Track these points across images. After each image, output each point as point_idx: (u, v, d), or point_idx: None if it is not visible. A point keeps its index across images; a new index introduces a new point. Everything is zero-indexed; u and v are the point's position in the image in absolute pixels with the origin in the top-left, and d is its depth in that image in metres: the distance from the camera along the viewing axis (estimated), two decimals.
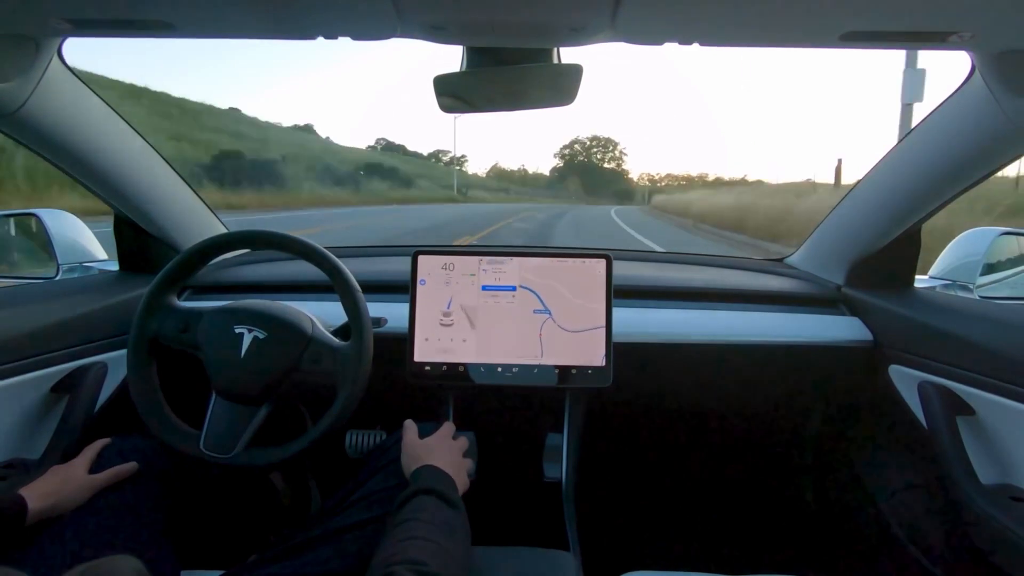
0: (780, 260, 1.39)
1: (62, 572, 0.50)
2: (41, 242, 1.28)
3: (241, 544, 0.98)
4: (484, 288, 1.02)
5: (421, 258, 1.01)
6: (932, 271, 1.27)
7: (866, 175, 1.07)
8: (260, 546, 1.00)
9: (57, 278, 1.23)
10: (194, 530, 0.88)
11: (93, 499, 0.73)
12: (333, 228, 11.76)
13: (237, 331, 0.83)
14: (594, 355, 0.99)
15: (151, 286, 0.86)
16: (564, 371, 0.99)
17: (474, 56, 0.74)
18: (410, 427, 0.82)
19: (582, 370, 0.99)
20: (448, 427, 0.84)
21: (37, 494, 0.69)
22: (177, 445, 0.81)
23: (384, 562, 0.54)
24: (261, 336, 0.83)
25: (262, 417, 0.83)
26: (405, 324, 1.01)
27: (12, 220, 1.45)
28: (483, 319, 1.01)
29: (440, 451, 0.76)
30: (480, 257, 1.02)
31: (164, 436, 0.82)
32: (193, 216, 1.20)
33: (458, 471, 0.75)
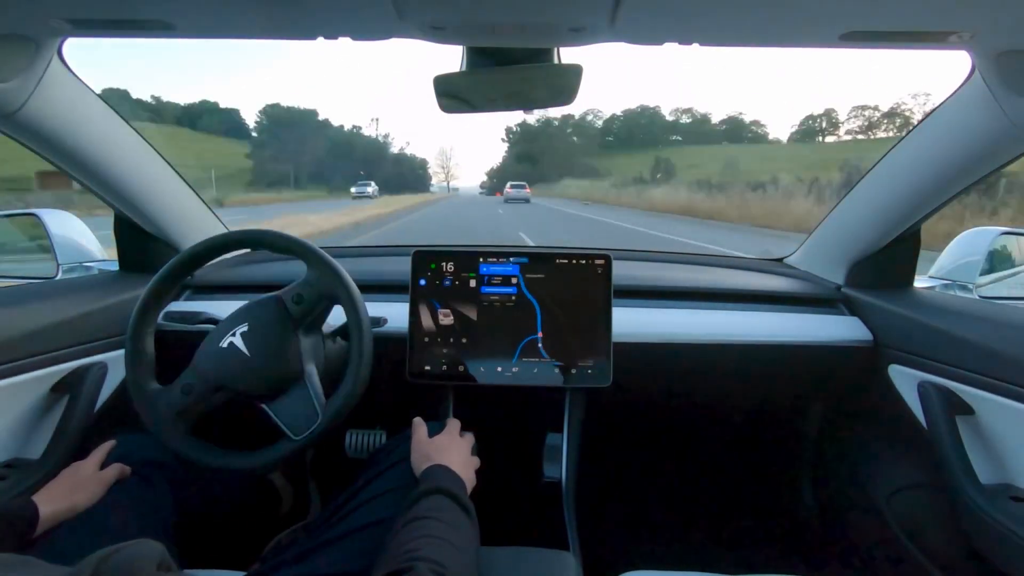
0: (780, 260, 1.39)
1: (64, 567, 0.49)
2: (41, 242, 1.28)
3: (242, 544, 0.98)
4: (484, 287, 1.02)
5: (420, 258, 1.02)
6: (932, 271, 1.27)
7: (866, 175, 1.07)
8: (261, 546, 1.00)
9: (57, 278, 1.23)
10: (198, 530, 0.88)
11: (101, 500, 0.74)
12: None
13: (225, 344, 0.81)
14: (594, 355, 1.00)
15: (130, 377, 0.82)
16: (564, 371, 0.99)
17: (474, 56, 0.74)
18: (419, 425, 0.82)
19: (582, 370, 0.99)
20: (454, 424, 0.84)
21: (49, 497, 0.70)
22: (272, 459, 0.79)
23: (401, 556, 0.54)
24: (245, 329, 0.82)
25: (316, 379, 0.82)
26: (405, 324, 1.01)
27: (12, 220, 1.45)
28: (483, 318, 1.01)
29: (450, 450, 0.77)
30: (479, 256, 1.02)
31: (250, 465, 0.80)
32: (193, 216, 1.20)
33: (467, 470, 0.75)
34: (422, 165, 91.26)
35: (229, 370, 0.81)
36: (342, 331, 0.92)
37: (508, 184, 30.42)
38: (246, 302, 0.87)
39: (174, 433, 0.80)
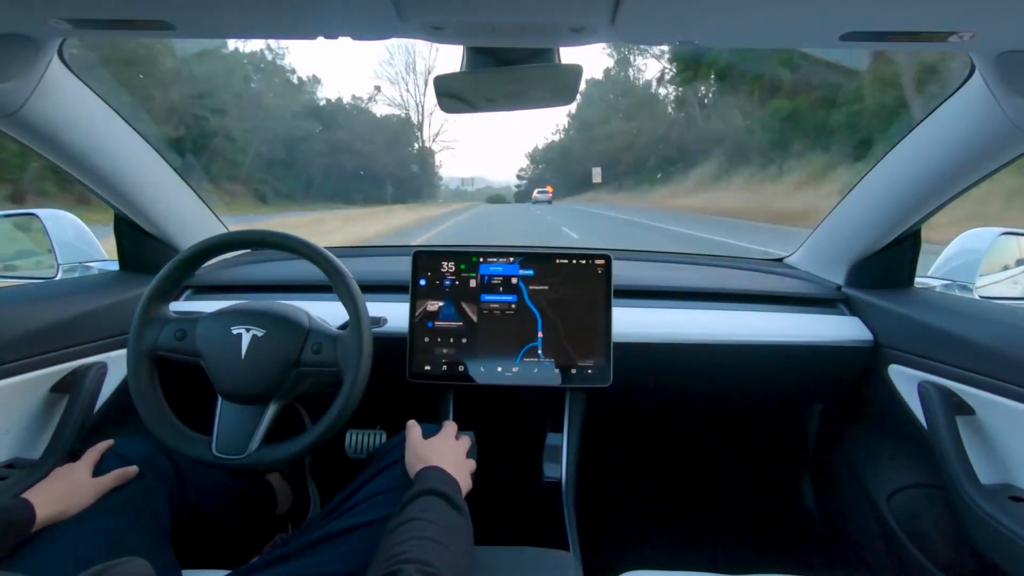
0: (780, 260, 1.39)
1: (72, 575, 0.50)
2: (41, 242, 1.28)
3: (242, 544, 0.98)
4: (483, 287, 1.02)
5: (421, 258, 1.02)
6: (932, 271, 1.27)
7: (866, 175, 1.07)
8: (261, 546, 1.00)
9: (57, 278, 1.23)
10: (195, 531, 0.88)
11: (97, 502, 0.74)
12: None
13: (235, 332, 0.83)
14: (594, 354, 0.99)
15: (143, 298, 0.85)
16: (564, 371, 0.99)
17: (474, 56, 0.74)
18: (413, 427, 0.82)
19: (582, 370, 0.99)
20: (450, 427, 0.84)
21: (44, 499, 0.69)
22: (189, 452, 0.81)
23: (390, 558, 0.54)
24: (260, 334, 0.83)
25: (272, 415, 0.83)
26: (405, 324, 1.01)
27: (12, 220, 1.45)
28: (483, 318, 1.01)
29: (444, 452, 0.76)
30: (480, 256, 1.02)
31: (174, 445, 0.81)
32: (193, 216, 1.20)
33: (462, 472, 0.75)
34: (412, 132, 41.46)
35: (218, 353, 0.82)
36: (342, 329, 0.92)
37: (535, 190, 31.95)
38: (280, 305, 0.89)
39: (139, 368, 0.82)
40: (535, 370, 1.00)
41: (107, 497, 0.75)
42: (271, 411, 0.83)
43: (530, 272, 1.02)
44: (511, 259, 1.02)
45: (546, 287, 1.01)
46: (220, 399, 0.83)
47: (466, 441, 0.84)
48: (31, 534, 0.67)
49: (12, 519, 0.66)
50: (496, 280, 1.02)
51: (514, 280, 1.02)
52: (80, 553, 0.66)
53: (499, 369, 1.00)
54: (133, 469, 0.78)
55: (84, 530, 0.70)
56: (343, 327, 0.92)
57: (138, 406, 0.82)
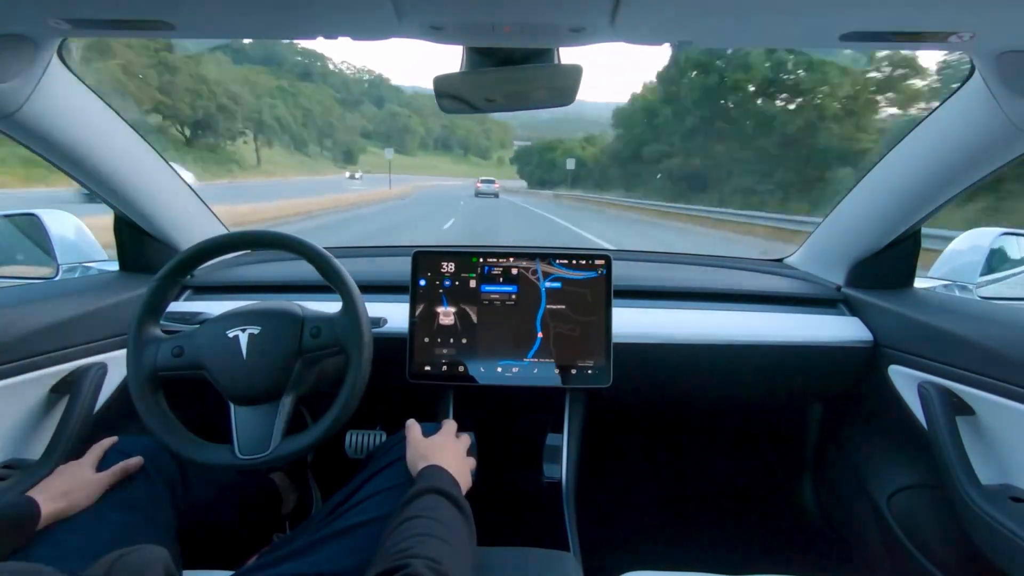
0: (780, 260, 1.39)
1: (74, 572, 0.50)
2: (41, 242, 1.28)
3: (244, 544, 0.98)
4: (484, 288, 1.02)
5: (421, 258, 1.02)
6: (932, 271, 1.27)
7: (866, 175, 1.07)
8: (263, 546, 1.00)
9: (57, 278, 1.23)
10: (198, 529, 0.88)
11: (102, 499, 0.74)
12: None
13: (231, 335, 0.82)
14: (594, 355, 1.00)
15: (134, 321, 0.83)
16: (564, 371, 0.99)
17: (474, 56, 0.74)
18: (413, 426, 0.82)
19: (582, 370, 0.99)
20: (450, 425, 0.85)
21: (48, 496, 0.69)
22: (215, 461, 0.79)
23: (397, 553, 0.54)
24: (256, 331, 0.82)
25: (288, 408, 0.82)
26: (405, 324, 1.01)
27: (12, 220, 1.45)
28: (483, 319, 1.01)
29: (445, 450, 0.77)
30: (480, 257, 1.02)
31: (199, 457, 0.79)
32: (193, 216, 1.20)
33: (462, 471, 0.75)
34: None
35: (220, 359, 0.82)
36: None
37: (479, 179, 31.72)
38: (271, 302, 0.88)
39: (144, 392, 0.81)
40: (535, 370, 1.00)
41: (112, 494, 0.75)
42: (287, 404, 0.82)
43: (530, 272, 1.01)
44: (511, 259, 1.02)
45: (546, 287, 1.01)
46: (232, 405, 0.83)
47: (466, 439, 0.84)
48: (37, 531, 0.67)
49: (16, 516, 0.66)
50: (496, 280, 1.02)
51: (514, 280, 1.02)
52: (88, 549, 0.66)
53: (499, 369, 1.00)
54: (136, 461, 0.78)
55: (91, 526, 0.70)
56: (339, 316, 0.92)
57: (152, 428, 0.80)
